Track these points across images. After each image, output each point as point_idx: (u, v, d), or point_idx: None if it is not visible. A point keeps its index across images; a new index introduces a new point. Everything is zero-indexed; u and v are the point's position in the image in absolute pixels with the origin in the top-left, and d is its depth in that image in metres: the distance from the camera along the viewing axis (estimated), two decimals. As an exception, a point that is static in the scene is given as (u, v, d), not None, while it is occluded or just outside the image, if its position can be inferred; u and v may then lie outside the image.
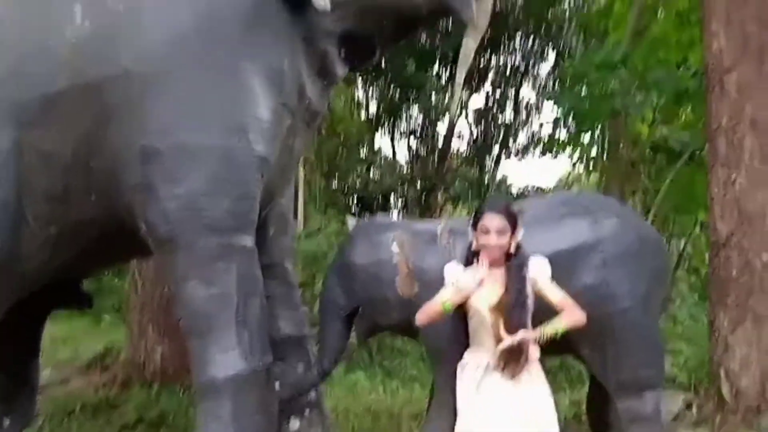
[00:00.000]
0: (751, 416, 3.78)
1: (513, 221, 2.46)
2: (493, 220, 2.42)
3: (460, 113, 15.30)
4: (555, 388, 4.97)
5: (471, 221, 2.51)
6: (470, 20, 3.30)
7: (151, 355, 5.28)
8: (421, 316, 2.51)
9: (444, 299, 2.44)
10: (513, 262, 2.45)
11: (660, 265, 3.21)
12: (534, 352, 2.43)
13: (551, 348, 2.92)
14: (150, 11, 2.66)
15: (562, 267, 2.85)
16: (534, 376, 2.46)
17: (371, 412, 4.65)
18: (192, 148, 2.70)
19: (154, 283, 5.37)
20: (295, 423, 3.32)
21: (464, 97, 15.36)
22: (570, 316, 2.42)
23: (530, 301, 2.43)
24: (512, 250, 2.45)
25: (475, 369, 2.44)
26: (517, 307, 2.38)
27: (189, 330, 2.82)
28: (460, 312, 2.49)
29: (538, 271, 2.48)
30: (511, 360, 2.37)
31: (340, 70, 3.34)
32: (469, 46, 3.55)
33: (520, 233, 2.48)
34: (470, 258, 2.51)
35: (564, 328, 2.40)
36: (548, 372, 5.25)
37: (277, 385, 3.06)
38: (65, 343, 6.94)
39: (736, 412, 3.85)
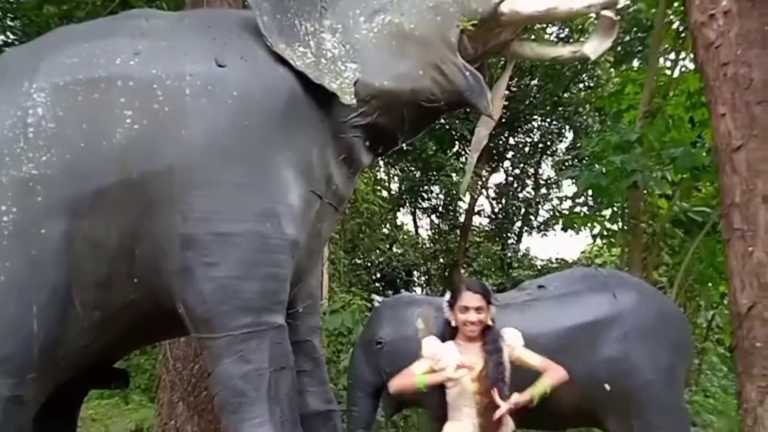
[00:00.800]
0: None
1: (488, 299, 2.66)
2: (472, 299, 2.63)
3: (481, 191, 15.60)
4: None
5: (448, 300, 2.71)
6: (485, 109, 3.56)
7: (181, 433, 5.35)
8: (395, 384, 2.67)
9: (421, 376, 2.59)
10: (488, 336, 2.63)
11: (682, 338, 3.30)
12: (510, 423, 2.59)
13: (577, 419, 3.00)
14: (191, 112, 2.91)
15: (583, 340, 2.98)
16: None
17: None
18: (227, 234, 2.90)
19: (184, 361, 5.50)
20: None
21: (485, 175, 15.71)
22: (554, 375, 2.59)
23: (508, 371, 2.60)
24: (489, 322, 2.65)
25: None
26: (499, 376, 2.55)
27: (223, 406, 2.93)
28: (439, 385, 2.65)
29: (514, 340, 2.66)
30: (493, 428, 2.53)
31: (366, 158, 3.59)
32: (482, 133, 3.83)
33: (493, 310, 2.67)
34: (447, 334, 2.71)
35: (551, 386, 2.56)
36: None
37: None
38: (94, 423, 7.02)
39: (768, 487, 3.78)
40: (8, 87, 2.93)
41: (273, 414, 2.86)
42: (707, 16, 4.34)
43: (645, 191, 7.90)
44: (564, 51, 3.88)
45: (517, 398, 2.50)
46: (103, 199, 2.83)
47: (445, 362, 2.58)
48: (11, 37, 8.14)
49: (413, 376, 2.61)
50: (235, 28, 3.26)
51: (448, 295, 2.75)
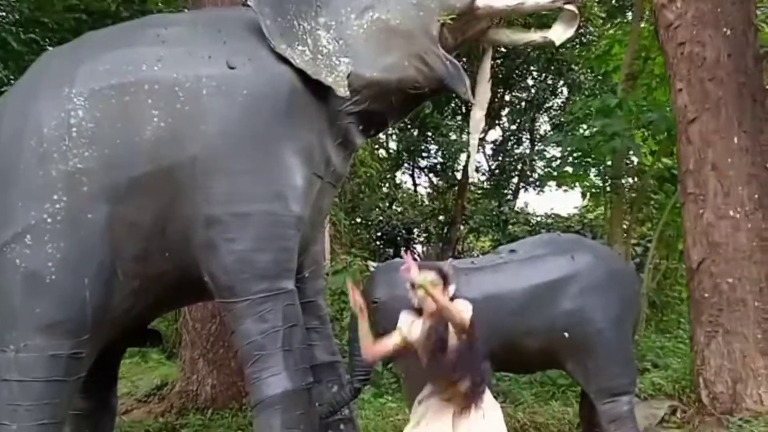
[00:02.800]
0: (725, 417, 4.35)
1: (444, 278, 2.96)
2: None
3: (478, 149, 15.94)
4: (566, 402, 5.59)
5: (410, 283, 3.00)
6: (464, 94, 4.01)
7: (203, 386, 5.99)
8: (370, 354, 3.07)
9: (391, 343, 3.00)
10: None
11: (630, 293, 3.85)
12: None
13: (542, 363, 3.57)
14: (208, 110, 3.38)
15: (546, 296, 3.53)
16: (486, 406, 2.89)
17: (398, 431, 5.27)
18: (243, 214, 3.41)
19: (202, 322, 6.10)
20: (332, 436, 3.96)
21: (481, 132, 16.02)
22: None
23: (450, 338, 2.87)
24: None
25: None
26: (435, 345, 2.86)
27: (245, 358, 3.48)
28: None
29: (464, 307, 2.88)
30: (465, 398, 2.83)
31: (359, 140, 4.07)
32: (477, 116, 4.24)
33: (452, 288, 2.95)
34: (416, 312, 3.04)
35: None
36: (559, 388, 5.86)
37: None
38: (121, 380, 7.59)
39: (713, 414, 4.43)
40: (50, 92, 3.40)
41: (288, 364, 3.41)
42: (667, -1, 4.80)
43: (629, 151, 8.35)
44: (535, 36, 4.30)
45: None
46: (138, 186, 3.33)
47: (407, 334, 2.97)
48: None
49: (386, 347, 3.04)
50: (242, 31, 3.69)
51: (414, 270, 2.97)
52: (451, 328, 2.88)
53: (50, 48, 8.86)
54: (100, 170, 3.31)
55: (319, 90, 3.67)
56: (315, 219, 3.91)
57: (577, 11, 4.00)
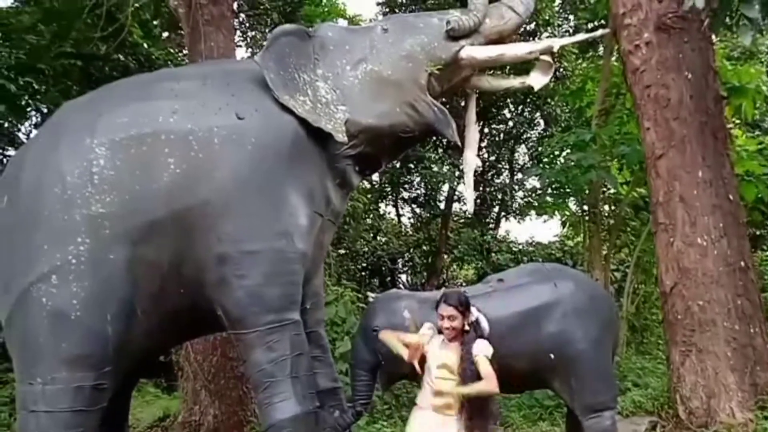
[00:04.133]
0: (701, 431, 4.67)
1: (461, 309, 3.33)
2: (445, 310, 3.32)
3: (459, 179, 16.36)
4: (553, 422, 5.87)
5: (437, 306, 3.40)
6: (451, 137, 4.36)
7: (205, 416, 6.18)
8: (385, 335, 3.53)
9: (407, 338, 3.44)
10: (465, 340, 3.33)
11: (608, 316, 4.18)
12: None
13: (530, 382, 3.87)
14: (220, 158, 3.70)
15: (532, 321, 3.85)
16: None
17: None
18: (253, 252, 3.70)
19: (204, 354, 6.31)
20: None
21: (461, 164, 16.42)
22: (486, 385, 3.25)
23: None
24: (466, 327, 3.31)
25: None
26: (470, 374, 3.24)
27: (256, 385, 3.75)
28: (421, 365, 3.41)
29: (481, 350, 3.31)
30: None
31: (356, 180, 4.42)
32: (469, 156, 4.59)
33: (472, 315, 3.33)
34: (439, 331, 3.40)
35: (476, 392, 3.26)
36: (546, 409, 6.15)
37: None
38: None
39: (689, 428, 4.75)
40: (72, 143, 3.68)
41: (296, 390, 3.69)
42: (633, 45, 5.26)
43: (604, 182, 8.78)
44: (515, 82, 4.70)
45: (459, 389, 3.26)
46: (155, 229, 3.61)
47: (426, 341, 3.35)
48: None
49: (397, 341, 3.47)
50: (248, 83, 4.03)
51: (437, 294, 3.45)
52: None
53: (43, 90, 9.25)
54: (121, 214, 3.58)
55: (319, 136, 4.01)
56: (316, 254, 4.22)
57: (552, 61, 4.40)
